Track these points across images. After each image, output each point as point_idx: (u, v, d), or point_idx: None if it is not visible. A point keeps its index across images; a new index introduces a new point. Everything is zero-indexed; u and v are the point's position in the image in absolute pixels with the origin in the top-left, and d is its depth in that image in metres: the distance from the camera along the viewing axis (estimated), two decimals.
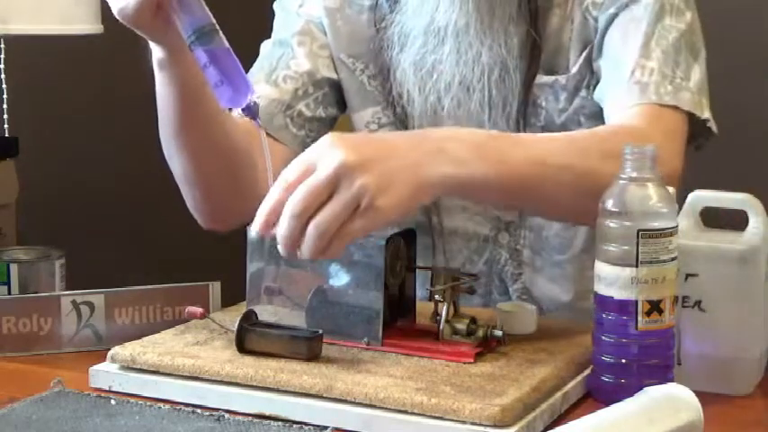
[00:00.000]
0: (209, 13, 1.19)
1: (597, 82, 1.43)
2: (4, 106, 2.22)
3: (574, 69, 1.43)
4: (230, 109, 1.33)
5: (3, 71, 2.18)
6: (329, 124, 1.55)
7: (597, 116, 1.43)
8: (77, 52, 2.34)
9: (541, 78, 1.44)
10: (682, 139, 1.35)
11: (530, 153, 1.22)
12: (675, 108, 1.35)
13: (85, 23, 2.04)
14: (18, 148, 2.13)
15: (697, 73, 1.39)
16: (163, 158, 1.40)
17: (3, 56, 2.17)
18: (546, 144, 1.25)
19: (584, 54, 1.43)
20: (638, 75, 1.35)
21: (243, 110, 1.17)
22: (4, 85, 2.19)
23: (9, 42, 2.16)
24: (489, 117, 1.44)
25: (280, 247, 1.12)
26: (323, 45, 1.53)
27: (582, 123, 1.44)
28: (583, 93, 1.44)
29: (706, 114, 1.38)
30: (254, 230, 1.13)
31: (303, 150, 1.50)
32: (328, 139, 1.13)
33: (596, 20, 1.42)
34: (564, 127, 1.44)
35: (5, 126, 2.28)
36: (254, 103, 1.17)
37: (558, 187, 1.22)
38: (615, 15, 1.40)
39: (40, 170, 2.36)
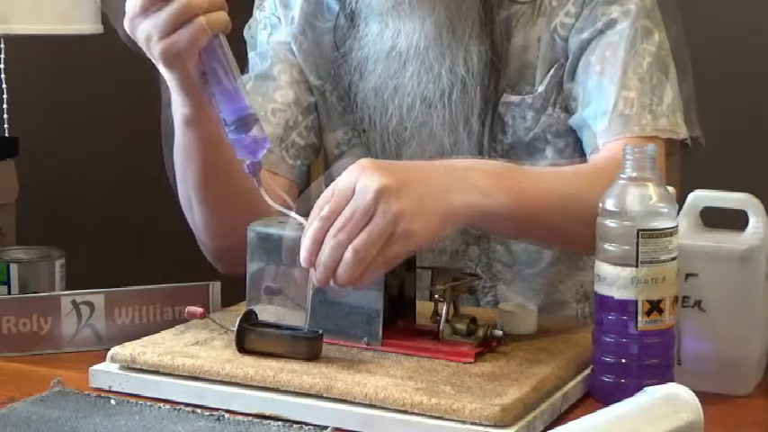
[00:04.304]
0: (248, 102, 1.18)
1: (565, 101, 1.43)
2: (5, 106, 2.21)
3: (540, 88, 1.44)
4: None
5: (3, 71, 2.18)
6: (318, 150, 1.55)
7: (564, 134, 1.45)
8: (77, 52, 2.34)
9: (508, 97, 1.44)
10: (664, 163, 1.37)
11: (542, 185, 1.24)
12: (656, 137, 1.37)
13: (85, 23, 2.03)
14: (18, 148, 2.13)
15: (669, 92, 1.40)
16: (162, 159, 1.40)
17: (3, 56, 2.17)
18: (553, 176, 1.28)
19: (551, 73, 1.43)
20: (620, 107, 1.37)
21: (247, 165, 1.17)
22: (4, 85, 2.19)
23: (9, 42, 2.16)
24: (452, 135, 1.44)
25: (316, 275, 1.12)
26: (300, 70, 1.53)
27: (549, 141, 1.45)
28: (549, 111, 1.44)
29: (683, 134, 1.40)
30: (303, 263, 1.13)
31: (299, 180, 1.50)
32: (362, 164, 1.14)
33: (566, 41, 1.42)
34: (531, 145, 1.45)
35: (5, 126, 2.27)
36: (258, 161, 1.17)
37: (567, 218, 1.24)
38: (589, 41, 1.41)
39: (40, 170, 2.36)
